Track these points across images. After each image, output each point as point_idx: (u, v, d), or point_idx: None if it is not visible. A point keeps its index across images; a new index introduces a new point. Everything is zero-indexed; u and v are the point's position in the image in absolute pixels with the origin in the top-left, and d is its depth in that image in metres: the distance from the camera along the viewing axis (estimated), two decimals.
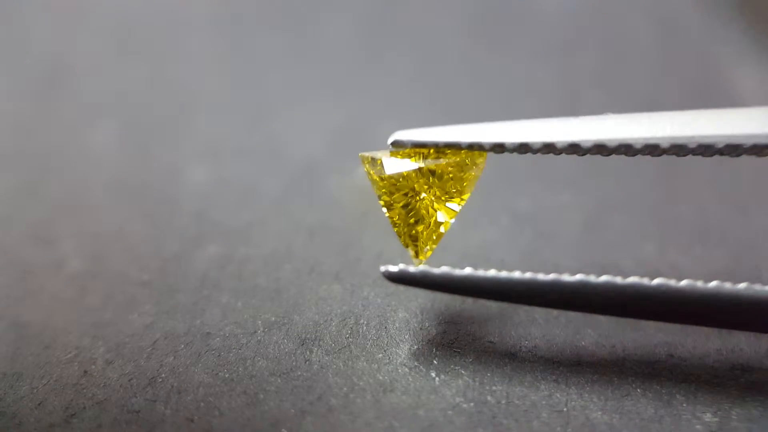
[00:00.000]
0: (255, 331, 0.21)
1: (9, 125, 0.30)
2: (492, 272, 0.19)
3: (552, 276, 0.18)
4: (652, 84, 0.31)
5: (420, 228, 0.20)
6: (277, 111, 0.30)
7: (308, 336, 0.21)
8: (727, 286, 0.18)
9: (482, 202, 0.20)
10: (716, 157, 0.18)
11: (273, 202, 0.26)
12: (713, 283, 0.18)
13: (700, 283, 0.18)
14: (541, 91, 0.31)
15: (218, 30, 0.35)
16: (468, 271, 0.19)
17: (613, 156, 0.18)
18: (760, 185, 0.26)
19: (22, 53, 0.34)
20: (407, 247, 0.20)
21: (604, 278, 0.18)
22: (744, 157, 0.18)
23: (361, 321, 0.21)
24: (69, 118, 0.30)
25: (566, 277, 0.18)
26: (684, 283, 0.18)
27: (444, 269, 0.19)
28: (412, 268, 0.19)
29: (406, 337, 0.21)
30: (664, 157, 0.18)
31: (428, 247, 0.20)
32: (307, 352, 0.20)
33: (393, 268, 0.19)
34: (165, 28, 0.36)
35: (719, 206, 0.25)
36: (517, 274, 0.19)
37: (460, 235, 0.23)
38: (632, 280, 0.18)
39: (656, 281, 0.18)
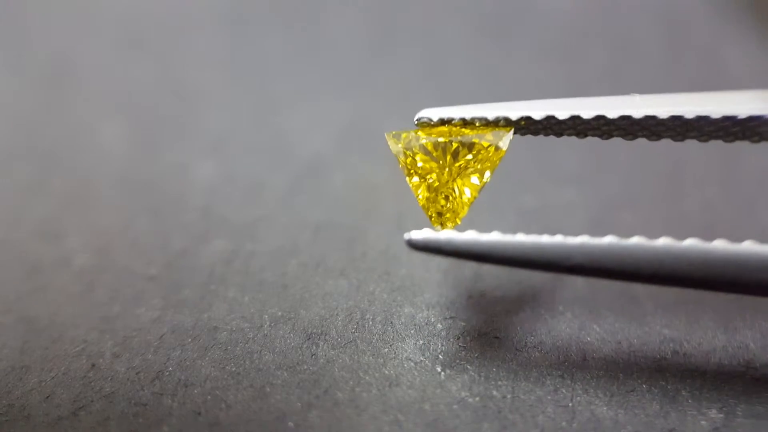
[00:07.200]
0: (261, 326, 0.21)
1: (16, 122, 0.30)
2: (520, 236, 0.18)
3: (580, 239, 0.18)
4: (659, 83, 0.31)
5: (445, 203, 0.20)
6: (284, 107, 0.30)
7: (314, 330, 0.21)
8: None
9: (489, 198, 0.20)
10: (722, 152, 0.18)
11: (279, 198, 0.26)
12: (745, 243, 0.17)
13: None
14: (547, 90, 0.31)
15: (225, 26, 0.36)
16: (495, 236, 0.18)
17: (624, 148, 0.18)
18: (766, 181, 0.26)
19: (29, 51, 0.34)
20: (432, 222, 0.20)
21: (634, 240, 0.18)
22: (751, 152, 0.18)
23: (367, 316, 0.21)
24: (76, 115, 0.30)
25: (595, 241, 0.18)
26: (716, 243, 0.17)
27: (470, 234, 0.18)
28: (436, 234, 0.18)
29: (412, 332, 0.21)
30: (670, 151, 0.18)
31: (452, 223, 0.20)
32: (314, 347, 0.20)
33: (416, 235, 0.18)
34: (172, 25, 0.36)
35: (725, 202, 0.25)
36: (545, 238, 0.18)
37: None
38: (663, 241, 0.17)
39: (687, 242, 0.17)
